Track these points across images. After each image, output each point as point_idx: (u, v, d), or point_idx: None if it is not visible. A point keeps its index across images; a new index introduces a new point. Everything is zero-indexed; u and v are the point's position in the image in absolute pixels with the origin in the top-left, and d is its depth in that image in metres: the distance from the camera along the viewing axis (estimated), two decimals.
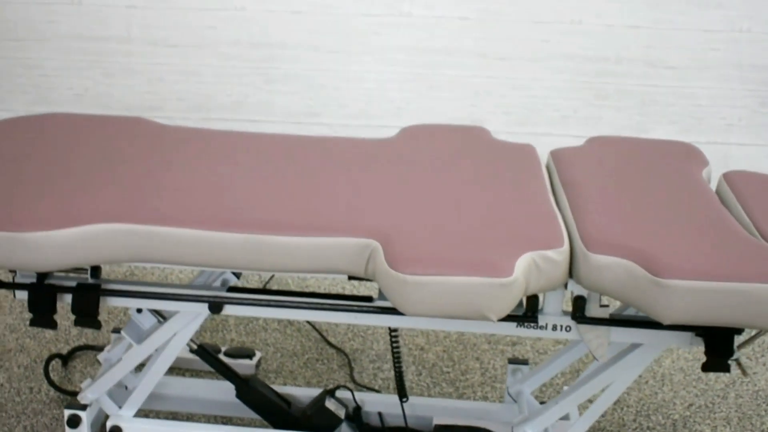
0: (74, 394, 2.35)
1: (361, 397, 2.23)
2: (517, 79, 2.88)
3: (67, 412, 1.94)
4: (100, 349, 2.54)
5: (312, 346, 2.67)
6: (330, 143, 2.04)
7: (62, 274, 1.87)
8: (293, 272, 1.66)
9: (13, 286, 1.84)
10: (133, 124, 2.07)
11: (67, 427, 1.95)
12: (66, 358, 2.52)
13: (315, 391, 2.22)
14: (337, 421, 2.08)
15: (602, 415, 2.40)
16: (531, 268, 1.60)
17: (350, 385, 2.48)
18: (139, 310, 1.96)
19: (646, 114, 2.88)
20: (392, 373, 2.55)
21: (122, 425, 2.00)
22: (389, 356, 2.63)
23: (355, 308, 1.79)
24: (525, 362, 2.23)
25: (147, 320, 1.97)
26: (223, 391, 2.23)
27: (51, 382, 2.37)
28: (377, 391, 2.45)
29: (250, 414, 2.19)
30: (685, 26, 2.80)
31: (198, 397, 2.25)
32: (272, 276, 2.92)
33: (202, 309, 1.83)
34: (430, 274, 1.54)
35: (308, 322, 2.76)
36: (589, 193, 1.81)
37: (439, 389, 2.50)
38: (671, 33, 2.81)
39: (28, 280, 1.83)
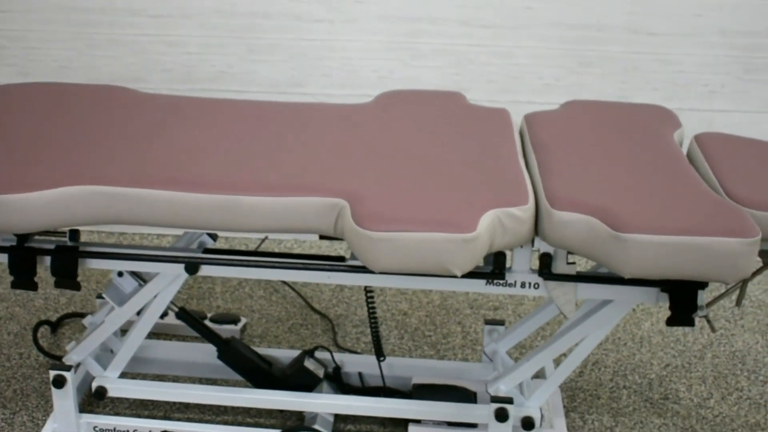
0: (60, 359, 2.40)
1: (342, 358, 2.27)
2: (500, 47, 2.90)
3: (52, 373, 1.98)
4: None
5: (296, 312, 2.71)
6: (305, 108, 2.07)
7: (41, 237, 1.91)
8: (266, 232, 1.70)
9: None
10: (110, 92, 2.10)
11: (52, 388, 1.99)
12: (54, 325, 2.56)
13: (296, 353, 2.26)
14: (317, 380, 2.12)
15: (579, 375, 2.45)
16: (495, 224, 1.64)
17: (333, 348, 2.53)
18: (120, 274, 2.00)
19: (629, 81, 2.90)
20: None
21: (107, 386, 2.04)
22: None
23: (328, 267, 1.83)
24: (501, 323, 2.27)
25: (128, 283, 2.01)
26: (207, 353, 2.27)
27: (40, 348, 2.42)
28: (358, 353, 2.49)
29: (232, 376, 2.23)
30: None
31: (182, 360, 2.29)
32: (265, 238, 2.96)
33: (179, 270, 1.87)
34: (394, 230, 1.58)
35: (293, 288, 2.80)
36: (558, 154, 1.85)
37: (420, 352, 2.54)
38: None
39: (8, 243, 1.87)
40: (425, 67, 2.94)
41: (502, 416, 1.92)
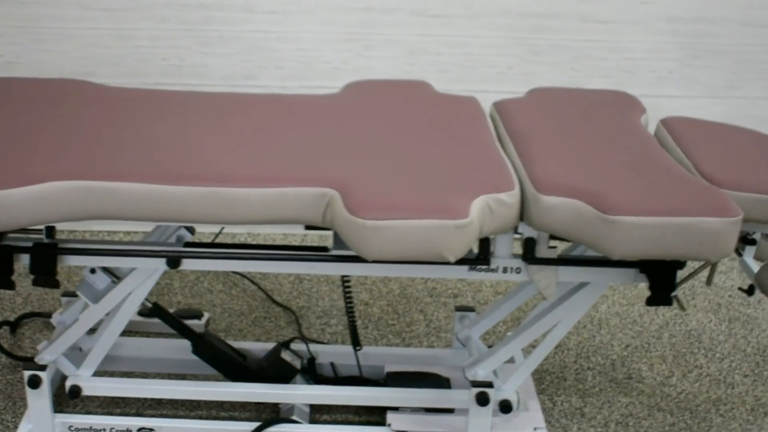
0: (26, 359, 2.36)
1: (314, 348, 2.27)
2: (453, 36, 2.93)
3: (27, 374, 1.94)
4: (48, 315, 2.54)
5: (258, 305, 2.70)
6: (277, 99, 2.07)
7: (15, 235, 1.86)
8: (253, 223, 1.69)
9: None
10: (73, 86, 2.07)
11: (28, 388, 1.95)
12: (14, 326, 2.51)
13: (267, 346, 2.26)
14: (294, 371, 2.12)
15: (544, 358, 2.49)
16: (484, 210, 1.66)
17: (299, 340, 2.52)
18: (93, 271, 1.97)
19: (580, 69, 2.95)
20: (340, 327, 2.60)
21: (81, 384, 2.01)
22: (335, 312, 2.68)
23: (312, 258, 1.83)
24: (471, 309, 2.29)
25: (101, 280, 1.98)
26: (174, 349, 2.25)
27: (2, 349, 2.36)
28: (326, 344, 2.50)
29: (203, 371, 2.22)
30: None
31: (150, 356, 2.27)
32: (222, 229, 2.94)
33: (160, 264, 1.85)
34: (389, 219, 1.59)
35: (252, 281, 2.79)
36: (535, 140, 1.88)
37: (386, 341, 2.55)
38: None
39: None
40: (378, 58, 2.95)
41: (483, 400, 1.95)
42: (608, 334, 2.63)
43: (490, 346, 2.25)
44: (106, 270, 1.97)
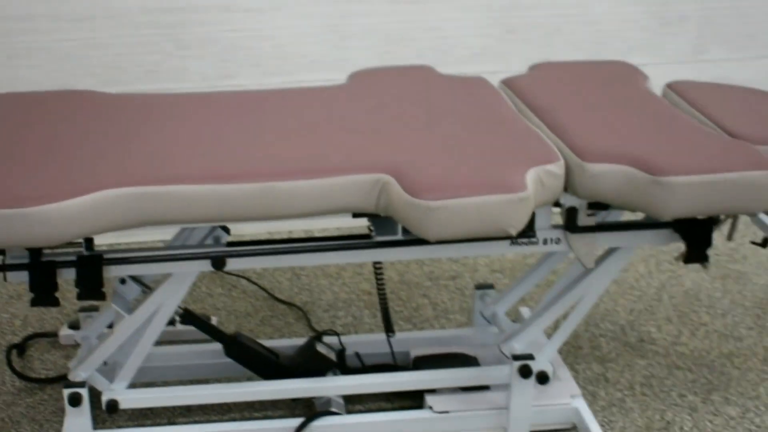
0: (40, 381, 2.30)
1: (333, 339, 2.27)
2: (428, 21, 2.95)
3: (66, 392, 1.90)
4: (53, 335, 2.49)
5: (262, 305, 2.69)
6: (293, 93, 2.06)
7: (51, 250, 1.82)
8: (306, 216, 1.68)
9: (4, 267, 1.77)
10: (86, 96, 2.03)
11: (68, 406, 1.91)
12: (21, 348, 2.45)
13: (292, 342, 2.26)
14: (330, 364, 2.12)
15: (555, 330, 2.53)
16: (537, 183, 1.69)
17: (312, 334, 2.52)
18: (123, 281, 1.95)
19: (552, 44, 3.00)
20: (350, 318, 2.61)
21: (118, 398, 1.98)
22: (340, 304, 2.68)
23: (357, 246, 1.83)
24: (491, 286, 2.32)
25: (131, 290, 1.96)
26: (197, 355, 2.23)
27: (17, 373, 2.31)
28: (346, 334, 2.50)
29: (226, 374, 2.21)
30: None
31: (173, 364, 2.24)
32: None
33: (200, 267, 1.82)
34: (452, 197, 1.60)
35: (251, 281, 2.77)
36: (558, 112, 1.91)
37: (398, 327, 2.57)
38: None
39: (18, 261, 1.78)
40: (356, 48, 2.95)
41: (526, 372, 1.97)
42: (610, 300, 2.69)
43: (514, 321, 2.28)
44: (135, 279, 1.95)
